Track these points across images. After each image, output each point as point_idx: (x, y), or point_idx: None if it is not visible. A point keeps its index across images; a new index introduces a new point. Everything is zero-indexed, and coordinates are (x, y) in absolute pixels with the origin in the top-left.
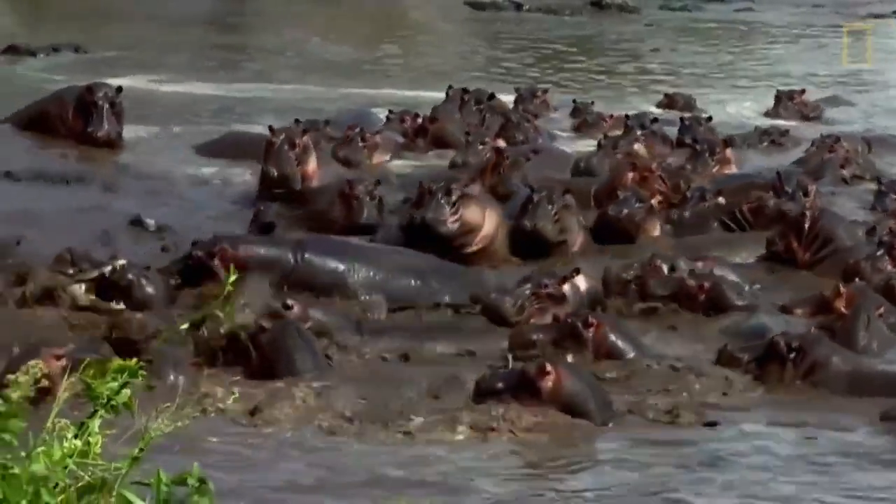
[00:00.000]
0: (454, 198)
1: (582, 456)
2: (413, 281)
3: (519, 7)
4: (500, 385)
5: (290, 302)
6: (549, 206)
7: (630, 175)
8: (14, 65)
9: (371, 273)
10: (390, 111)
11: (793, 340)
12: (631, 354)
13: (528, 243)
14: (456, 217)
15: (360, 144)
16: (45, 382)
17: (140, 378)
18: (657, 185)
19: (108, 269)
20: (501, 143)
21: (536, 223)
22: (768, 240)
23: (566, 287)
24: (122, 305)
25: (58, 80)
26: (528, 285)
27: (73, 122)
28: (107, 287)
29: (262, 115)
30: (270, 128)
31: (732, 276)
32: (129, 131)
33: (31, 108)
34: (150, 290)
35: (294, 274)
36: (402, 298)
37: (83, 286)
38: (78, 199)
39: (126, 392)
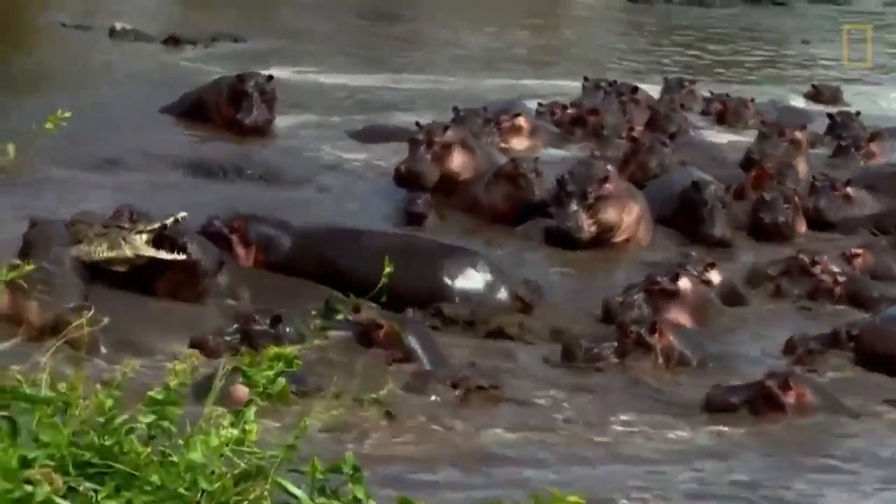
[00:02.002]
0: (590, 201)
1: None
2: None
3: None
4: (734, 399)
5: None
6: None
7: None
8: (174, 54)
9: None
10: (540, 103)
11: None
12: (695, 361)
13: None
14: (593, 221)
15: (508, 125)
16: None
17: (296, 367)
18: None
19: (169, 220)
20: (638, 132)
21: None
22: None
23: (684, 283)
24: (182, 257)
25: (215, 70)
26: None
27: (226, 110)
28: (164, 241)
29: (416, 105)
30: (417, 123)
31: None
32: (284, 120)
33: (189, 96)
34: (202, 248)
35: (289, 258)
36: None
37: (144, 236)
38: (222, 185)
39: (281, 381)
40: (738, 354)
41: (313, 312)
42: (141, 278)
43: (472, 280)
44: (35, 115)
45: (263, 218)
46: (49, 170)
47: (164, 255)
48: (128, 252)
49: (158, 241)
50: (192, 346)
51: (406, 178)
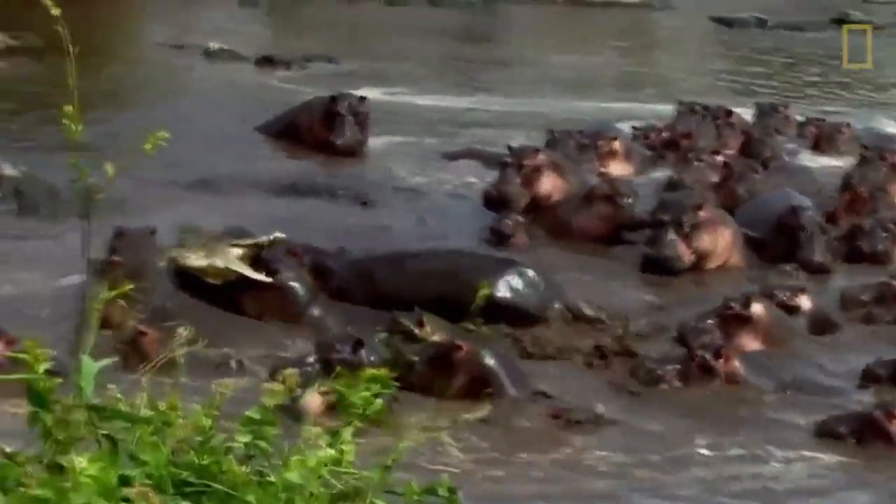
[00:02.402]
0: (686, 229)
1: None
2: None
3: (763, 23)
4: (842, 429)
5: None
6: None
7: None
8: (268, 75)
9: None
10: (634, 126)
11: None
12: (766, 386)
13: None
14: (691, 250)
15: (603, 150)
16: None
17: (392, 389)
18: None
19: (266, 239)
20: (727, 157)
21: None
22: None
23: (757, 308)
24: (269, 279)
25: (308, 90)
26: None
27: (319, 131)
28: (259, 260)
29: (508, 127)
30: (508, 146)
31: None
32: (377, 142)
33: (282, 117)
34: (293, 273)
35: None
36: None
37: (239, 251)
38: (314, 206)
39: (378, 402)
40: (818, 381)
41: (382, 335)
42: (231, 294)
43: (519, 293)
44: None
45: (319, 248)
46: (146, 189)
47: (252, 273)
48: (220, 264)
49: (254, 260)
50: (275, 371)
51: (495, 200)
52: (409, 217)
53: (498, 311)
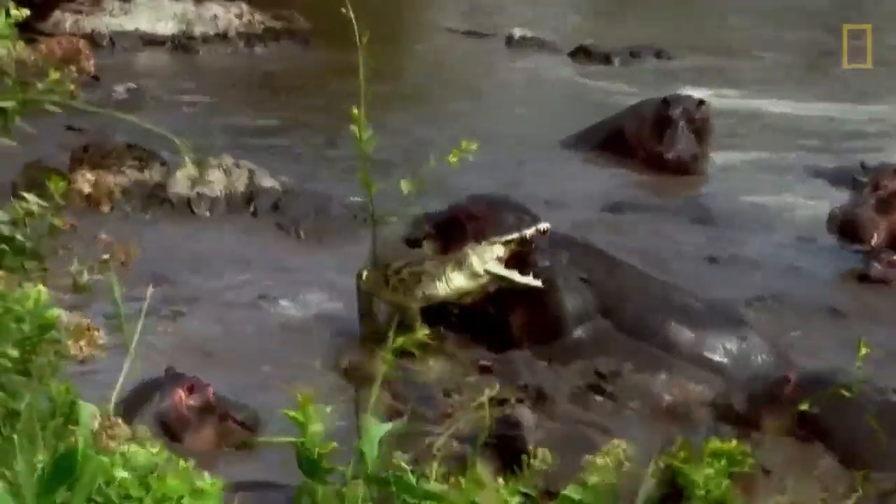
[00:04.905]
0: None
1: None
2: None
3: None
4: None
5: None
6: None
7: None
8: (585, 70)
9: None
10: None
11: None
12: None
13: None
14: None
15: None
16: None
17: (748, 466)
18: None
19: (530, 230)
20: None
21: None
22: None
23: None
24: (537, 282)
25: (634, 91)
26: None
27: (647, 142)
28: (518, 258)
29: (884, 142)
30: (862, 164)
31: None
32: (718, 156)
33: (602, 124)
34: (571, 283)
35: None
36: None
37: (496, 250)
38: (639, 230)
39: (726, 482)
40: None
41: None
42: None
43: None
44: (429, 139)
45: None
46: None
47: (516, 276)
48: (476, 267)
49: (518, 262)
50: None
51: (841, 229)
52: (754, 247)
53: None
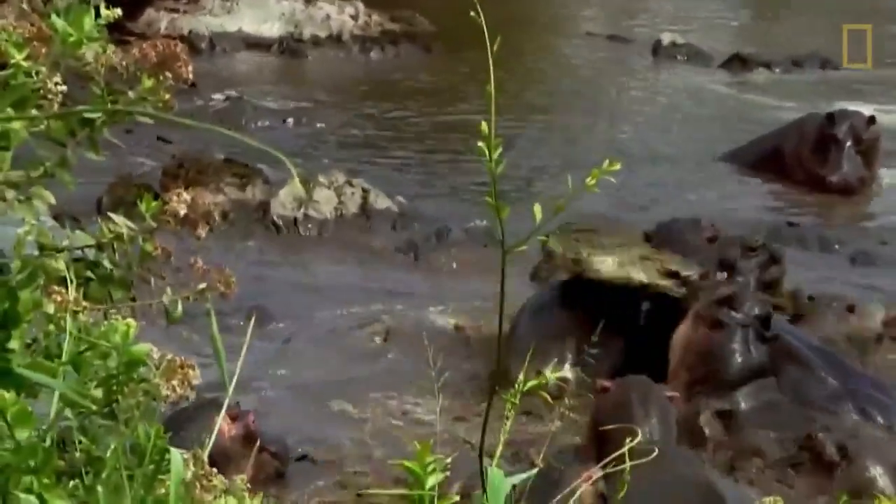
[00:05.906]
0: None
1: None
2: None
3: None
4: None
5: None
6: None
7: None
8: (740, 81)
9: None
10: None
11: None
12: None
13: None
14: None
15: None
16: None
17: None
18: None
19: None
20: None
21: None
22: None
23: None
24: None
25: (794, 105)
26: None
27: (809, 162)
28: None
29: None
30: None
31: None
32: (890, 177)
33: (760, 141)
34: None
35: None
36: None
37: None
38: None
39: None
40: None
41: None
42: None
43: None
44: (564, 155)
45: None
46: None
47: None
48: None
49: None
50: None
51: None
52: None
53: None
